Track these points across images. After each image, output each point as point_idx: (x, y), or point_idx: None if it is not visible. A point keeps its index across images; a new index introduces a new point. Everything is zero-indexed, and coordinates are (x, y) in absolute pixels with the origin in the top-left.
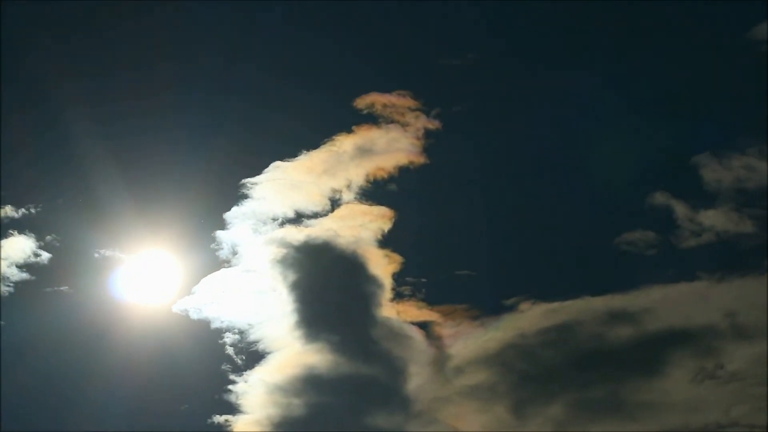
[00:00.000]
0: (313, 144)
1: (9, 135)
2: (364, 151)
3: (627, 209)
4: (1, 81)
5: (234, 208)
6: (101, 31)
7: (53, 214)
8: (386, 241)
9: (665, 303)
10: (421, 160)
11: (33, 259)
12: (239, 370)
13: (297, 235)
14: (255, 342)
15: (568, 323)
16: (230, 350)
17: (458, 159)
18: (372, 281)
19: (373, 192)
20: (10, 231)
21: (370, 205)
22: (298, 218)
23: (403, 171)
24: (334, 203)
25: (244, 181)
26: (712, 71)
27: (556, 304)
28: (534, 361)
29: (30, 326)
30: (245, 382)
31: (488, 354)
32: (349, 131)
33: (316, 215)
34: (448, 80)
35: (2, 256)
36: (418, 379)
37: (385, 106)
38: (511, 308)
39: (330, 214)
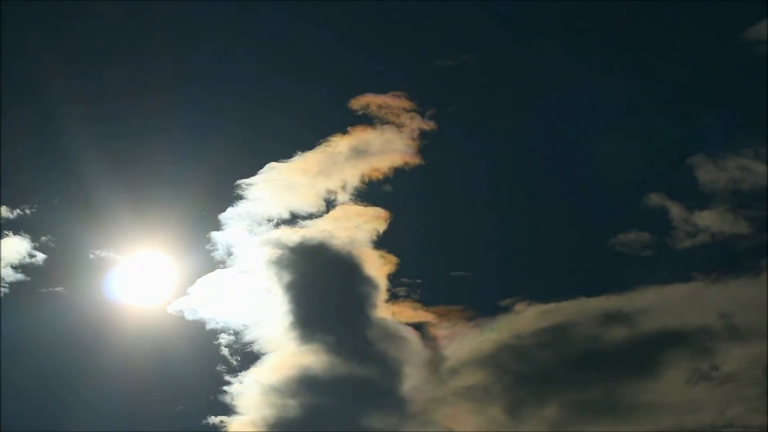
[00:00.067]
0: (308, 145)
1: (4, 136)
2: (359, 152)
3: (622, 210)
4: None
5: (229, 209)
6: (96, 32)
7: (48, 214)
8: (381, 242)
9: (660, 304)
10: (416, 161)
11: (28, 260)
12: (234, 371)
13: (292, 236)
14: (250, 343)
15: (563, 324)
16: (225, 351)
17: (453, 160)
18: (367, 282)
19: (368, 193)
20: (5, 232)
21: (365, 206)
22: (293, 219)
23: (398, 172)
24: (329, 204)
25: (239, 182)
26: (707, 72)
27: (551, 305)
28: (529, 362)
29: (25, 327)
30: (240, 383)
31: (483, 355)
32: (344, 132)
33: (311, 216)
34: (443, 81)
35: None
36: (413, 380)
37: (380, 107)
38: (507, 309)
39: (325, 215)
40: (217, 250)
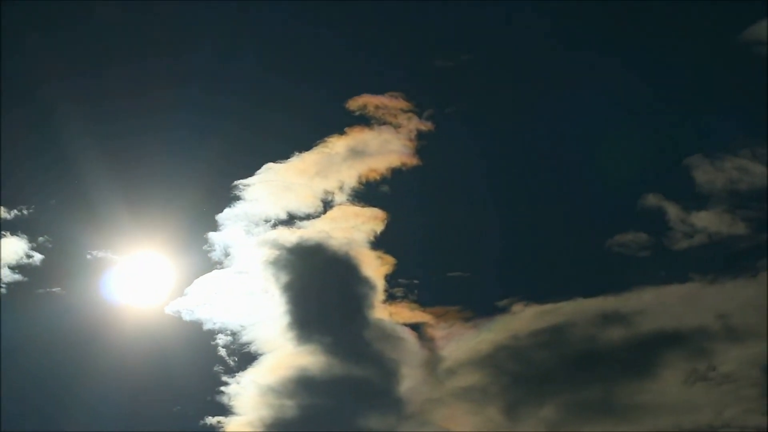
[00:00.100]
0: (306, 145)
1: (1, 136)
2: (356, 153)
3: (619, 211)
4: None
5: (226, 210)
6: (93, 33)
7: (46, 215)
8: (379, 243)
9: (658, 304)
10: (413, 161)
11: (25, 261)
12: (232, 371)
13: (289, 236)
14: (247, 343)
15: (560, 325)
16: (223, 352)
17: (451, 160)
18: (364, 283)
19: (366, 193)
20: (3, 232)
21: (363, 206)
22: (291, 220)
23: (396, 172)
24: (327, 205)
25: (236, 182)
26: (704, 73)
27: (548, 306)
28: (526, 363)
29: (22, 328)
30: (238, 383)
31: (481, 355)
32: (342, 133)
33: (308, 217)
34: (440, 82)
35: None
36: (410, 381)
37: (377, 107)
38: (504, 310)
39: (322, 216)
40: (215, 250)
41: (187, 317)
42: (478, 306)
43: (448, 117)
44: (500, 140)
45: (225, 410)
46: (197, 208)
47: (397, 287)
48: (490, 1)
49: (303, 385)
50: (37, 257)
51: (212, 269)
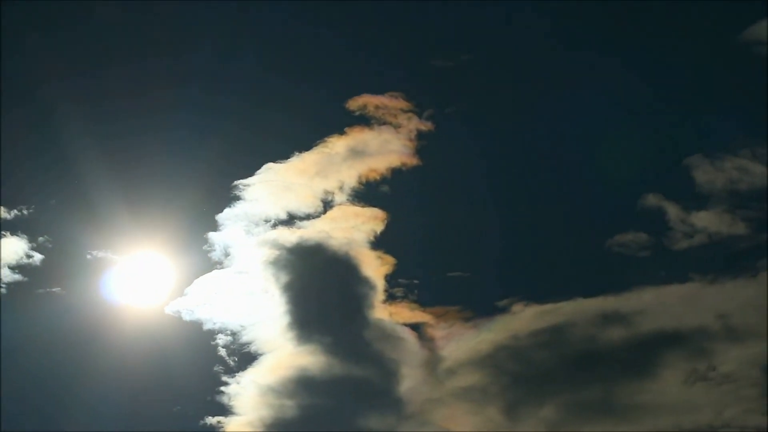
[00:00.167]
0: (306, 145)
1: (1, 136)
2: (356, 153)
3: (619, 211)
4: None
5: (226, 210)
6: (93, 33)
7: (46, 215)
8: (379, 243)
9: (657, 304)
10: (413, 161)
11: (25, 261)
12: (232, 371)
13: (289, 236)
14: (247, 343)
15: (560, 325)
16: (223, 352)
17: (451, 160)
18: (364, 283)
19: (366, 193)
20: (3, 232)
21: (363, 206)
22: (291, 220)
23: (396, 172)
24: (327, 205)
25: (236, 182)
26: (704, 73)
27: (548, 306)
28: (526, 363)
29: (23, 328)
30: (238, 383)
31: (481, 355)
32: (342, 133)
33: (308, 217)
34: (440, 82)
35: None
36: (410, 381)
37: (377, 107)
38: (504, 310)
39: (322, 216)
40: (215, 250)
41: (187, 317)
42: (478, 306)
43: (448, 117)
44: (500, 140)
45: (225, 410)
46: (197, 208)
47: (397, 287)
48: (490, 2)
49: (303, 385)
50: (37, 257)
51: (212, 269)
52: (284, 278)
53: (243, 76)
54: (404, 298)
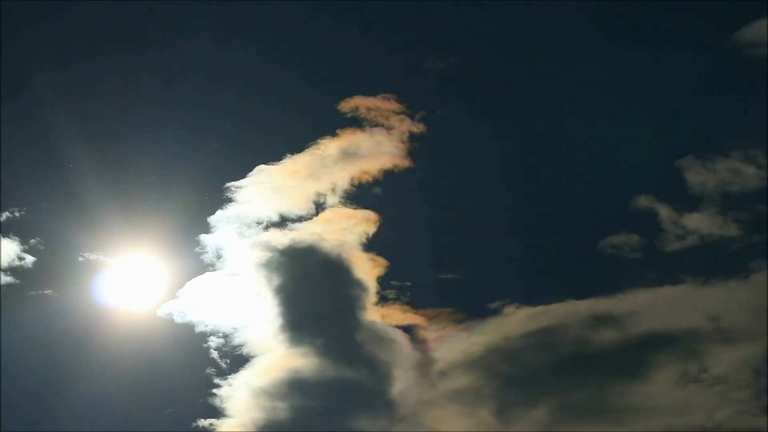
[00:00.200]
0: (298, 147)
1: None
2: (348, 155)
3: (611, 213)
4: None
5: (218, 212)
6: (87, 35)
7: (38, 217)
8: (371, 245)
9: (649, 306)
10: (405, 163)
11: (17, 263)
12: (224, 373)
13: (281, 238)
14: (239, 346)
15: (552, 327)
16: (215, 354)
17: (443, 162)
18: (356, 285)
19: (358, 195)
20: None
21: (355, 208)
22: (283, 222)
23: (388, 174)
24: (319, 207)
25: (228, 184)
26: (696, 74)
27: (540, 308)
28: (518, 365)
29: (14, 330)
30: (230, 385)
31: (473, 357)
32: (334, 135)
33: (300, 219)
34: (432, 84)
35: None
36: (402, 383)
37: (369, 109)
38: (496, 312)
39: (314, 218)
40: (207, 253)
41: (179, 319)
42: (470, 308)
43: (440, 119)
44: (492, 142)
45: (217, 412)
46: (189, 211)
47: (389, 289)
48: (482, 4)
49: (295, 387)
50: (29, 259)
51: (204, 271)
52: (276, 280)
53: (235, 78)
54: (396, 300)
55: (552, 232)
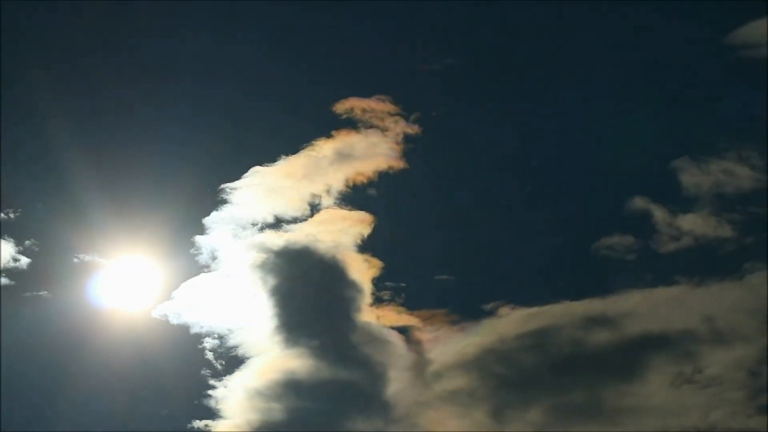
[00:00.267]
0: (293, 149)
1: None
2: (343, 156)
3: (606, 214)
4: None
5: (213, 213)
6: (81, 36)
7: (32, 218)
8: (366, 246)
9: (644, 307)
10: (400, 164)
11: (12, 264)
12: (219, 375)
13: (276, 240)
14: (234, 347)
15: (547, 328)
16: (210, 355)
17: (437, 164)
18: (351, 286)
19: (353, 197)
20: None
21: (350, 210)
22: (278, 223)
23: (383, 176)
24: (314, 208)
25: (223, 186)
26: (690, 75)
27: (535, 309)
28: (513, 366)
29: (9, 331)
30: (225, 387)
31: (467, 359)
32: (329, 136)
33: (295, 220)
34: (427, 85)
35: None
36: (397, 384)
37: (364, 110)
38: (491, 313)
39: (309, 219)
40: (202, 254)
41: (174, 321)
42: (464, 309)
43: (434, 120)
44: (487, 143)
45: (212, 413)
46: (184, 212)
47: (384, 290)
48: (477, 5)
49: (290, 388)
50: (24, 261)
51: (199, 273)
52: (271, 282)
53: (229, 79)
54: (391, 301)
55: (547, 234)
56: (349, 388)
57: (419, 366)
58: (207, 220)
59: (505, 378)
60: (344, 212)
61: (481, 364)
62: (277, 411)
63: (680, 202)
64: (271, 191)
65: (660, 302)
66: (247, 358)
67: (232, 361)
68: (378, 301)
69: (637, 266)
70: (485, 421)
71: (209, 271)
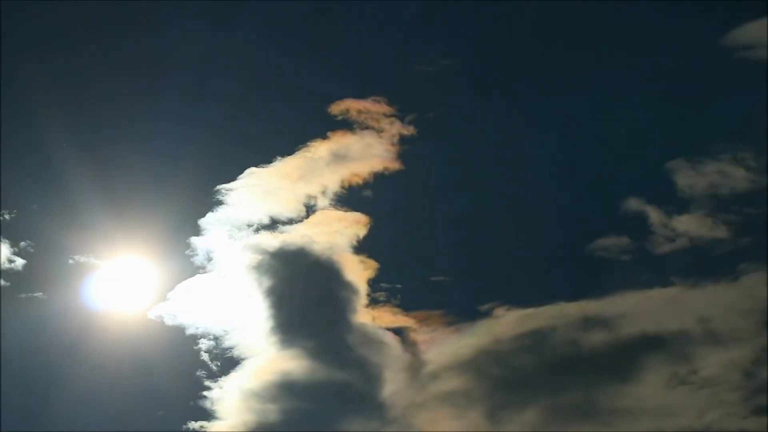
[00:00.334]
0: (288, 150)
1: None
2: (339, 157)
3: (601, 215)
4: None
5: (209, 215)
6: (75, 38)
7: (27, 220)
8: (361, 247)
9: (639, 308)
10: (396, 166)
11: (7, 265)
12: (214, 376)
13: (272, 241)
14: (230, 348)
15: (542, 329)
16: (205, 356)
17: (433, 165)
18: (347, 287)
19: (348, 198)
20: None
21: (345, 211)
22: (273, 224)
23: (378, 177)
24: (309, 209)
25: (218, 187)
26: (685, 77)
27: (530, 310)
28: (509, 367)
29: (4, 332)
30: (221, 388)
31: (463, 360)
32: (324, 137)
33: (291, 221)
34: (423, 86)
35: None
36: (393, 385)
37: (359, 112)
38: (486, 314)
39: (305, 221)
40: (197, 255)
41: (169, 322)
42: (460, 310)
43: (430, 121)
44: (482, 145)
45: (208, 415)
46: (180, 213)
47: (380, 291)
48: (473, 6)
49: (286, 389)
50: (19, 262)
51: (195, 274)
52: (267, 283)
53: (225, 80)
54: (387, 302)
55: (542, 235)
56: (344, 390)
57: (415, 367)
58: (202, 221)
59: (501, 379)
60: (340, 213)
61: (476, 365)
62: (272, 412)
63: (676, 203)
64: (266, 192)
65: (655, 303)
66: (243, 359)
67: (227, 362)
68: (373, 302)
69: (632, 267)
70: (481, 422)
71: (205, 272)
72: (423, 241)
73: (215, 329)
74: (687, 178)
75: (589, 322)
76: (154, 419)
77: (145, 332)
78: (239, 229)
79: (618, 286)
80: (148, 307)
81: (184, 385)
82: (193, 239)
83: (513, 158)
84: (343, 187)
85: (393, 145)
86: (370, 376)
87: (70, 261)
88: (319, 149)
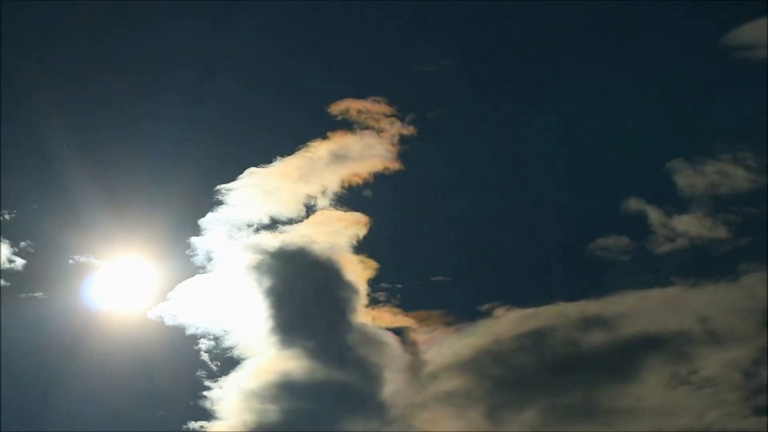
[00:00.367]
0: (288, 150)
1: None
2: (339, 157)
3: (601, 215)
4: None
5: (209, 214)
6: (75, 38)
7: (28, 220)
8: (361, 247)
9: (639, 308)
10: (396, 166)
11: (7, 265)
12: (214, 376)
13: (272, 241)
14: (230, 348)
15: (542, 329)
16: (205, 356)
17: (433, 165)
18: (347, 287)
19: (348, 198)
20: None
21: (345, 211)
22: (273, 224)
23: (378, 177)
24: (309, 209)
25: (218, 187)
26: (685, 76)
27: (530, 310)
28: (508, 367)
29: (4, 332)
30: (220, 388)
31: (463, 360)
32: (324, 137)
33: (291, 221)
34: (422, 86)
35: None
36: (393, 385)
37: (359, 112)
38: (486, 314)
39: (305, 220)
40: (197, 255)
41: (169, 322)
42: (460, 310)
43: (430, 121)
44: (482, 145)
45: (208, 415)
46: (180, 213)
47: (380, 291)
48: (473, 6)
49: (286, 389)
50: (19, 262)
51: (195, 274)
52: (267, 283)
53: (225, 81)
54: (387, 302)
55: (542, 235)
56: (344, 390)
57: (415, 367)
58: (202, 221)
59: (501, 379)
60: (340, 213)
61: (476, 365)
62: (272, 412)
63: (675, 203)
64: (266, 192)
65: (655, 303)
66: (243, 360)
67: (227, 362)
68: (373, 302)
69: (632, 267)
70: (481, 422)
71: (205, 273)
72: (423, 241)
73: (215, 329)
74: (687, 178)
75: (589, 322)
76: (154, 419)
77: (145, 332)
78: (239, 229)
79: (618, 286)
80: (148, 307)
81: (184, 385)
82: (193, 239)
83: (513, 158)
84: (343, 187)
85: (393, 145)
86: (370, 376)
87: (70, 261)
88: (319, 149)
